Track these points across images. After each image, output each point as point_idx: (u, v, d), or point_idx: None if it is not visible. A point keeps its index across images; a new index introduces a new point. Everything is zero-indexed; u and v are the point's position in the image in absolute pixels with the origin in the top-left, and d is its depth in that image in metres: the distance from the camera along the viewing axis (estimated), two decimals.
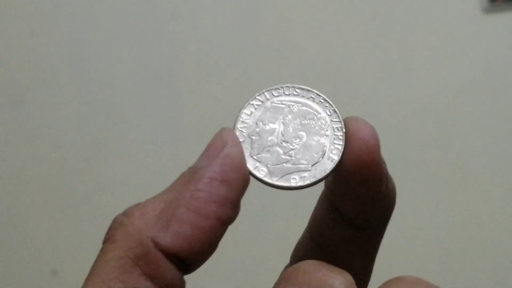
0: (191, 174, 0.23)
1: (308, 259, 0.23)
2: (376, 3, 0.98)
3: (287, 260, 0.27)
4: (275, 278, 0.23)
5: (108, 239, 0.23)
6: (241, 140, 0.25)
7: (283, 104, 0.26)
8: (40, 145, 0.98)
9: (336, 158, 0.24)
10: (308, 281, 0.21)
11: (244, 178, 0.23)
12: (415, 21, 0.97)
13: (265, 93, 0.26)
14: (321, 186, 0.26)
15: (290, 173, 0.24)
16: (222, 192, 0.23)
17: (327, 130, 0.25)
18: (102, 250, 0.22)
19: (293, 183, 0.24)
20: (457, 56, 0.96)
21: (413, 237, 0.92)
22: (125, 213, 0.23)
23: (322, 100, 0.26)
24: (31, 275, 0.93)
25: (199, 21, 1.00)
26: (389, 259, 0.87)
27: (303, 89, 0.26)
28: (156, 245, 0.22)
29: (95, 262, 0.22)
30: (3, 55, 1.00)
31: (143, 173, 0.95)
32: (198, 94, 0.98)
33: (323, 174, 0.24)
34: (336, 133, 0.25)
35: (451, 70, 0.96)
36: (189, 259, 0.22)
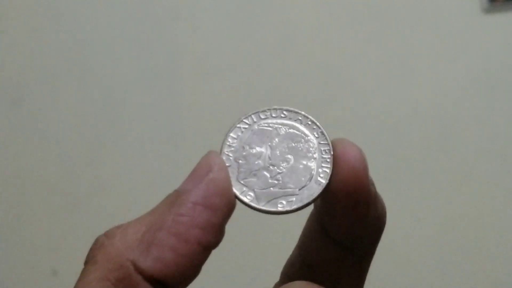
0: (175, 198, 0.23)
1: (297, 278, 0.23)
2: (376, 3, 0.97)
3: (276, 278, 0.27)
4: None
5: (89, 260, 0.23)
6: (227, 164, 0.24)
7: (270, 127, 0.25)
8: (39, 145, 0.98)
9: (323, 181, 0.24)
10: None
11: (229, 203, 0.23)
12: (415, 21, 0.97)
13: (252, 116, 0.26)
14: (310, 207, 0.26)
15: (277, 197, 0.24)
16: (205, 217, 0.22)
17: (314, 153, 0.25)
18: (83, 271, 0.22)
19: (280, 208, 0.24)
20: (457, 56, 0.96)
21: (411, 237, 0.92)
22: (107, 234, 0.23)
23: (309, 122, 0.25)
24: (31, 275, 0.94)
25: (199, 21, 0.99)
26: (386, 264, 0.87)
27: (290, 111, 0.26)
28: (137, 268, 0.22)
29: (77, 283, 0.22)
30: (3, 55, 1.00)
31: (143, 173, 0.95)
32: (198, 94, 0.97)
33: (311, 198, 0.24)
34: (324, 156, 0.25)
35: (451, 70, 0.95)
36: (170, 283, 0.22)
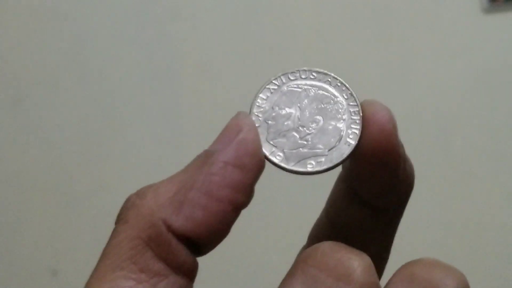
0: (206, 158, 0.23)
1: (325, 239, 0.23)
2: (376, 3, 0.98)
3: (304, 240, 0.27)
4: (291, 261, 0.23)
5: (120, 219, 0.22)
6: (257, 125, 0.24)
7: (299, 88, 0.25)
8: (40, 144, 0.97)
9: (353, 142, 0.24)
10: (326, 262, 0.21)
11: (259, 163, 0.23)
12: (416, 20, 0.97)
13: (281, 77, 0.25)
14: (338, 169, 0.25)
15: (307, 158, 0.24)
16: (235, 177, 0.22)
17: (344, 114, 0.24)
18: (114, 230, 0.22)
19: (309, 168, 0.24)
20: (457, 56, 0.96)
21: (411, 237, 0.92)
22: (138, 194, 0.23)
23: (339, 84, 0.25)
24: (31, 275, 0.93)
25: (199, 21, 1.00)
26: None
27: (319, 72, 0.25)
28: (168, 227, 0.22)
29: (108, 242, 0.22)
30: (3, 55, 1.00)
31: (143, 173, 0.95)
32: (198, 94, 0.97)
33: (340, 159, 0.24)
34: (353, 117, 0.24)
35: (451, 70, 0.96)
36: (201, 242, 0.22)
